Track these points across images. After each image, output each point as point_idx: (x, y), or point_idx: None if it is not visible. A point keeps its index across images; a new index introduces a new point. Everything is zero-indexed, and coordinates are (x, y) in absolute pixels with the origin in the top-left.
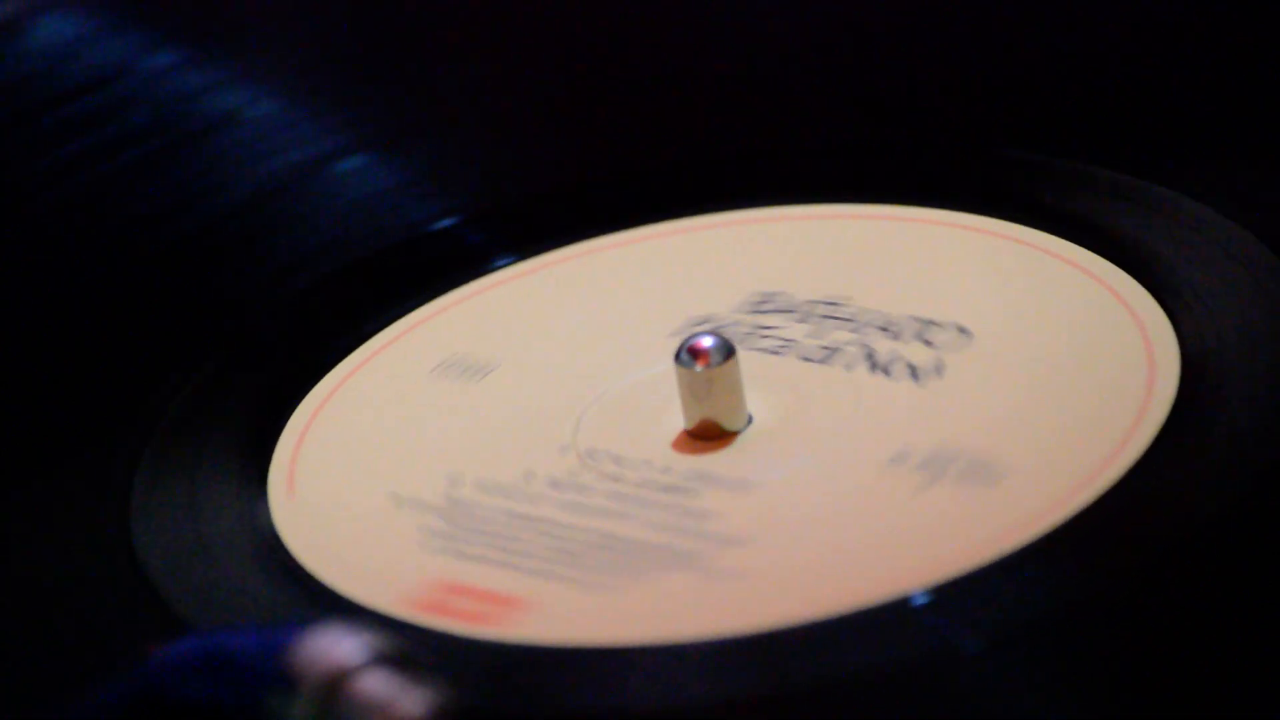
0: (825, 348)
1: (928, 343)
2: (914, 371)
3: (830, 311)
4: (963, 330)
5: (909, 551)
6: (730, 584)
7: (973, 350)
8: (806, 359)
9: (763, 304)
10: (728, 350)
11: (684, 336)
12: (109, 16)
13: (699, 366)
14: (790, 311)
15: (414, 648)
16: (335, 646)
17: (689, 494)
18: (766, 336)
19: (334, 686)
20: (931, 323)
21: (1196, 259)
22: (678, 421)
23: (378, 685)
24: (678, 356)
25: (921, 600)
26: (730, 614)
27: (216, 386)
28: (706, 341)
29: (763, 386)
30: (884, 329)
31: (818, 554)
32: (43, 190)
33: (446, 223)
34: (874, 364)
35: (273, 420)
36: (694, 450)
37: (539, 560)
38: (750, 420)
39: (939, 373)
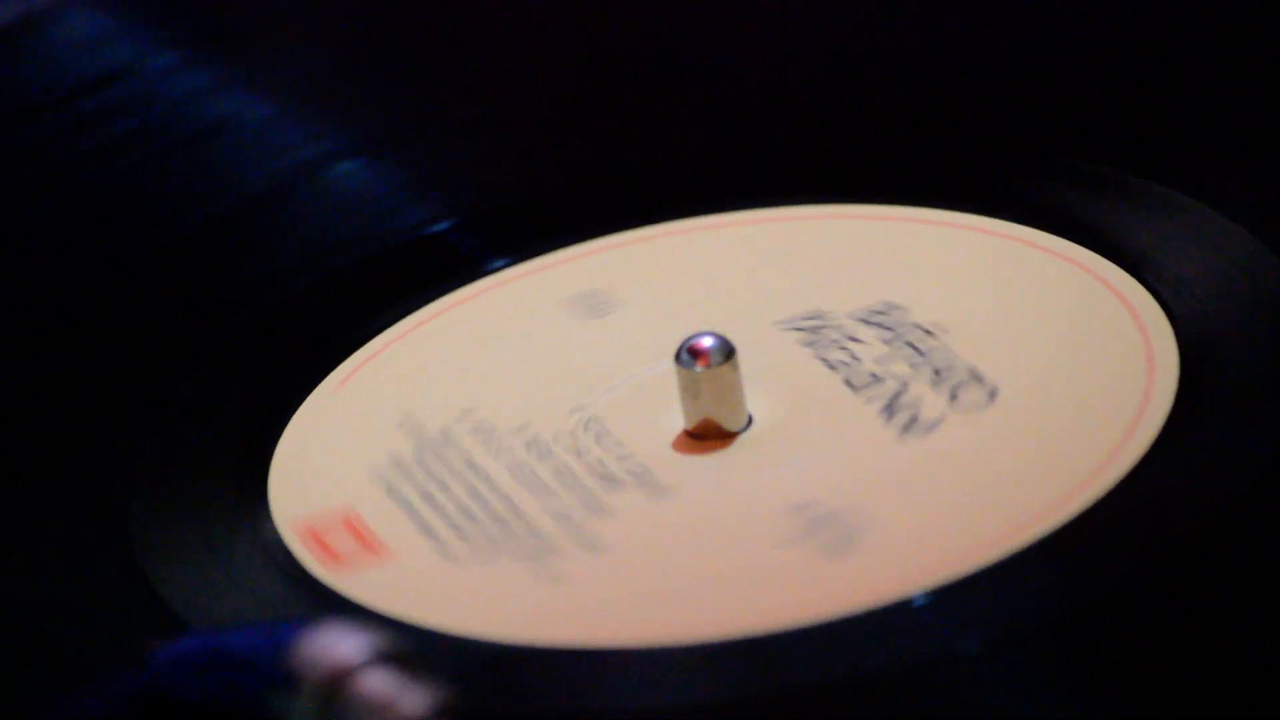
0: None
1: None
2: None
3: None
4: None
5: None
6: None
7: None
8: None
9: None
10: (728, 350)
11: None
12: (111, 19)
13: (699, 366)
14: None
15: (415, 647)
16: (336, 645)
17: (632, 490)
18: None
19: (335, 685)
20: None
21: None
22: (678, 421)
23: (379, 684)
24: (678, 356)
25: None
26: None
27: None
28: (706, 341)
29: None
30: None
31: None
32: (43, 190)
33: (443, 225)
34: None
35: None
36: (694, 450)
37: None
38: (750, 421)
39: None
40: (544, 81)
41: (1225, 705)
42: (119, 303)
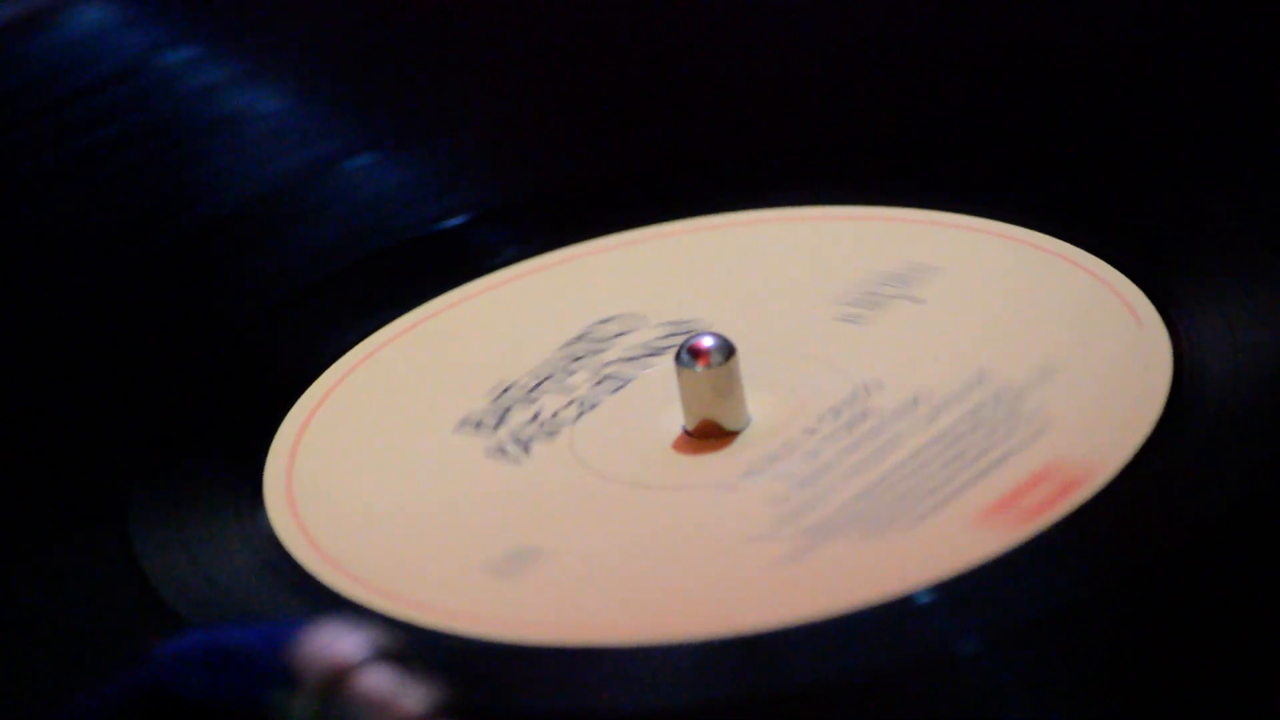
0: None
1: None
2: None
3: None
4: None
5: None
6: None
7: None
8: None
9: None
10: (728, 350)
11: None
12: (120, 15)
13: (699, 366)
14: None
15: (414, 645)
16: (336, 643)
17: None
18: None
19: (335, 683)
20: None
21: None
22: (678, 421)
23: (378, 682)
24: (678, 356)
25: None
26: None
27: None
28: (707, 341)
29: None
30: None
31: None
32: (49, 187)
33: (453, 221)
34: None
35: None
36: (694, 450)
37: None
38: (750, 420)
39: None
40: (557, 77)
41: (1223, 703)
42: (127, 298)
